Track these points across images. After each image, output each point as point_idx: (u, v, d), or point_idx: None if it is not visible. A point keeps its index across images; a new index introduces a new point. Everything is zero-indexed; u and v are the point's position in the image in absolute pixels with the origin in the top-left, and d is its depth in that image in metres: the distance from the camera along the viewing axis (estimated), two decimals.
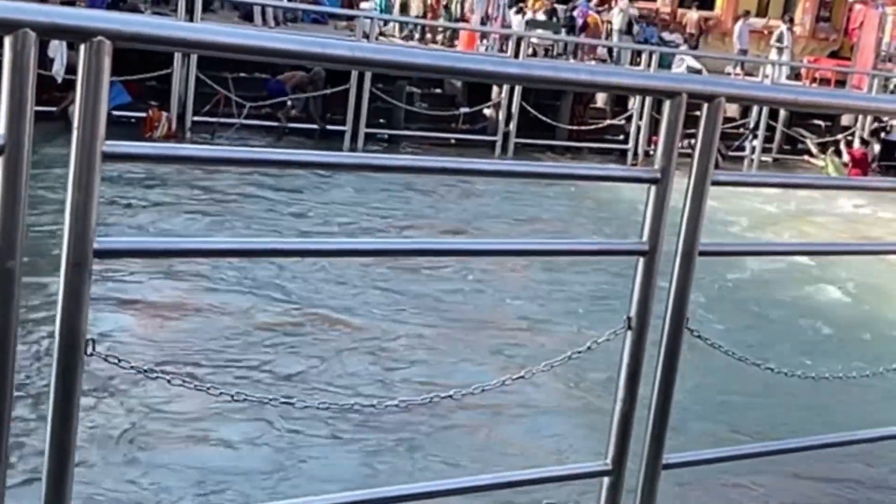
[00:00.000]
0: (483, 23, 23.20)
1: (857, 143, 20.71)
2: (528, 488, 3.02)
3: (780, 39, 24.88)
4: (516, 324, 9.41)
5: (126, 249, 2.56)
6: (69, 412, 2.11)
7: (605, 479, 2.85)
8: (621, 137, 19.95)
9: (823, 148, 19.88)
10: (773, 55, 24.43)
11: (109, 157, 2.04)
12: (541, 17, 22.77)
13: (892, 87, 23.85)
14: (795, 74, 25.22)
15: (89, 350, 2.09)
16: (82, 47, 1.97)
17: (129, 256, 2.65)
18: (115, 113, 14.39)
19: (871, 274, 11.67)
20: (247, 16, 21.15)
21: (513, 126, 18.45)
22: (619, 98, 19.90)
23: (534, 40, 21.52)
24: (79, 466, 2.16)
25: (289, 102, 16.92)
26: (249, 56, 2.26)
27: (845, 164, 19.63)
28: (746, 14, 25.94)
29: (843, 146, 20.45)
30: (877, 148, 21.11)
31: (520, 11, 23.03)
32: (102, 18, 2.01)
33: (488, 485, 2.88)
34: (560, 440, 7.06)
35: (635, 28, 24.52)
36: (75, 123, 1.98)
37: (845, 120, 22.02)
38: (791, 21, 26.12)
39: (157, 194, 12.59)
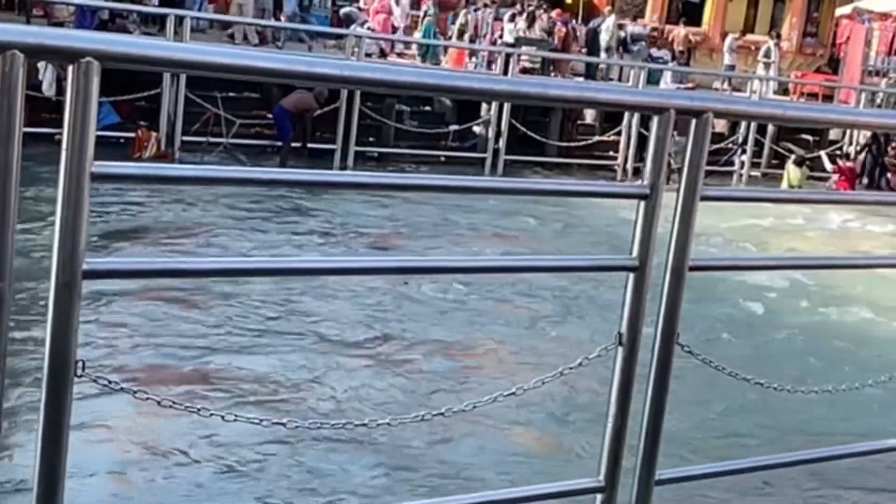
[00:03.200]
0: (472, 40, 23.31)
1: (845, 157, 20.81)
2: None
3: (767, 55, 25.03)
4: (507, 340, 9.41)
5: (116, 270, 2.56)
6: (59, 434, 2.10)
7: (598, 497, 2.84)
8: (610, 153, 20.01)
9: (801, 160, 19.89)
10: (761, 70, 24.56)
11: (98, 177, 2.03)
12: (533, 34, 22.90)
13: (878, 101, 23.97)
14: (783, 89, 25.35)
15: (79, 371, 2.08)
16: (70, 68, 1.97)
17: (119, 277, 2.64)
18: (105, 133, 14.37)
19: (861, 287, 11.70)
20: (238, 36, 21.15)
21: (502, 143, 18.49)
22: (608, 114, 19.95)
23: (524, 57, 21.60)
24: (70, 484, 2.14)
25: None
26: (237, 75, 2.26)
27: (810, 177, 19.69)
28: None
29: (825, 159, 20.51)
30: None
31: (512, 19, 23.23)
32: (90, 39, 2.01)
33: (479, 503, 2.87)
34: (551, 458, 7.04)
35: (634, 47, 24.55)
36: (63, 144, 1.98)
37: (833, 134, 22.11)
38: (778, 36, 26.26)
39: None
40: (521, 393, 2.96)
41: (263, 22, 21.78)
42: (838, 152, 21.34)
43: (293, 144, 16.73)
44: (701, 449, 6.96)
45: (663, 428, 2.88)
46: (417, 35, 24.00)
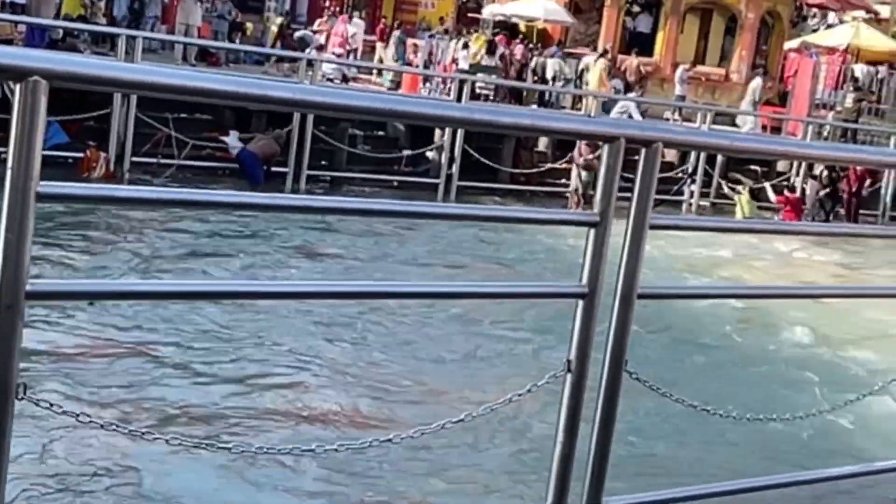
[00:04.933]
0: (426, 66, 23.42)
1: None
2: None
3: (755, 92, 25.11)
4: (457, 366, 9.41)
5: (59, 292, 2.52)
6: None
7: None
8: (563, 181, 20.13)
9: (752, 191, 20.16)
10: (748, 107, 24.84)
11: (44, 197, 2.01)
12: (486, 60, 23.09)
13: (825, 133, 24.36)
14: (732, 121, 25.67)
15: (20, 394, 2.05)
16: (18, 87, 1.94)
17: (62, 299, 2.61)
18: (52, 153, 14.18)
19: (804, 315, 11.84)
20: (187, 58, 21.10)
21: (455, 169, 18.54)
22: (560, 142, 20.08)
23: (479, 84, 21.73)
24: None
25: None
26: (189, 97, 2.25)
27: (760, 207, 20.02)
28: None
29: (769, 190, 20.82)
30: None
31: (465, 47, 23.44)
32: (39, 58, 1.99)
33: None
34: (500, 482, 7.03)
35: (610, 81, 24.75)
36: (8, 163, 1.95)
37: (781, 166, 22.43)
38: (765, 73, 26.43)
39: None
40: (470, 420, 2.95)
41: (217, 44, 21.75)
42: (785, 183, 21.63)
43: None
44: (649, 475, 6.98)
45: (611, 454, 2.89)
46: (390, 62, 24.25)
